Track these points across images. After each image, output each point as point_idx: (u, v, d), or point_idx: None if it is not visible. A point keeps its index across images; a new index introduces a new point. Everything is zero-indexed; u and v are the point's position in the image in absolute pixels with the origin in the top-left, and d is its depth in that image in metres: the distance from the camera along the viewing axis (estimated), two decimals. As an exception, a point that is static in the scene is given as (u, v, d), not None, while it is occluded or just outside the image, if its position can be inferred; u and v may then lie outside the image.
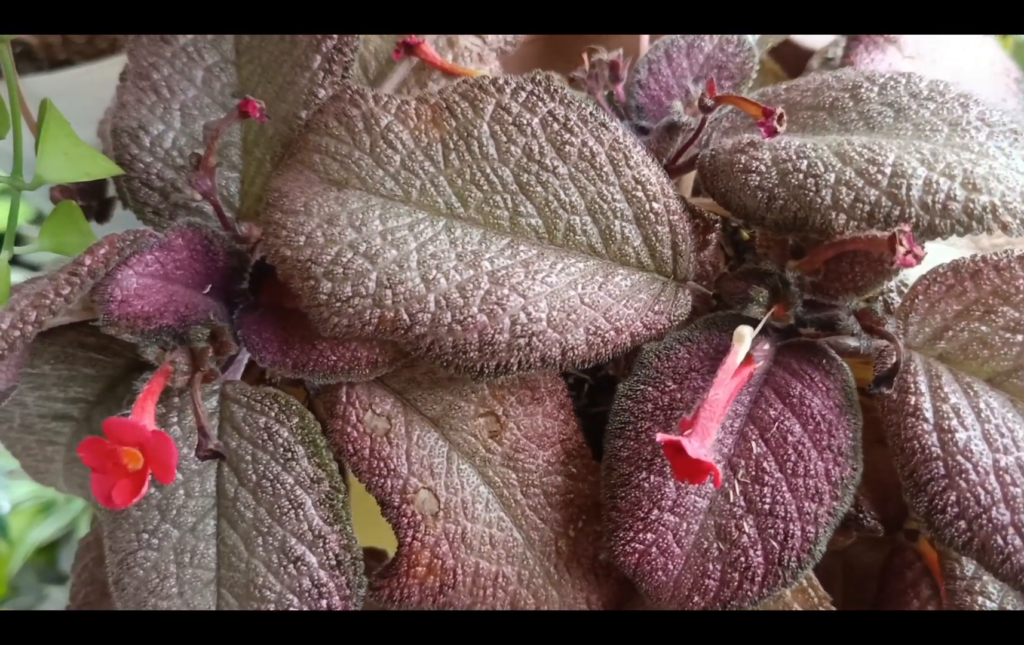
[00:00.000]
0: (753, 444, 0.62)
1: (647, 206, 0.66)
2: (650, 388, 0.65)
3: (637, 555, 0.62)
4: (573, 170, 0.66)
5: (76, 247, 0.76)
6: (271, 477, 0.65)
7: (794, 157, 0.62)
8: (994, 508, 0.58)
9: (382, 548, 0.82)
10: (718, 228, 0.74)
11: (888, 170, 0.59)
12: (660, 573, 0.62)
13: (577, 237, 0.66)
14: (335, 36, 0.75)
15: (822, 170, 0.61)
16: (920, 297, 0.63)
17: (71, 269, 0.61)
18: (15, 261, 0.78)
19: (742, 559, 0.61)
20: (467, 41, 0.84)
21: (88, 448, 0.58)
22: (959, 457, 0.58)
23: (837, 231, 0.59)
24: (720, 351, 0.65)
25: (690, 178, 0.88)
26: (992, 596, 0.67)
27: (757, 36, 0.89)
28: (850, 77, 0.69)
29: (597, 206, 0.66)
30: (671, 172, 0.77)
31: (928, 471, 0.58)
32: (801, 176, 0.61)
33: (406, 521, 0.67)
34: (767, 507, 0.60)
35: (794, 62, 1.02)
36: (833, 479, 0.60)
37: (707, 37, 0.84)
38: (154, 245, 0.66)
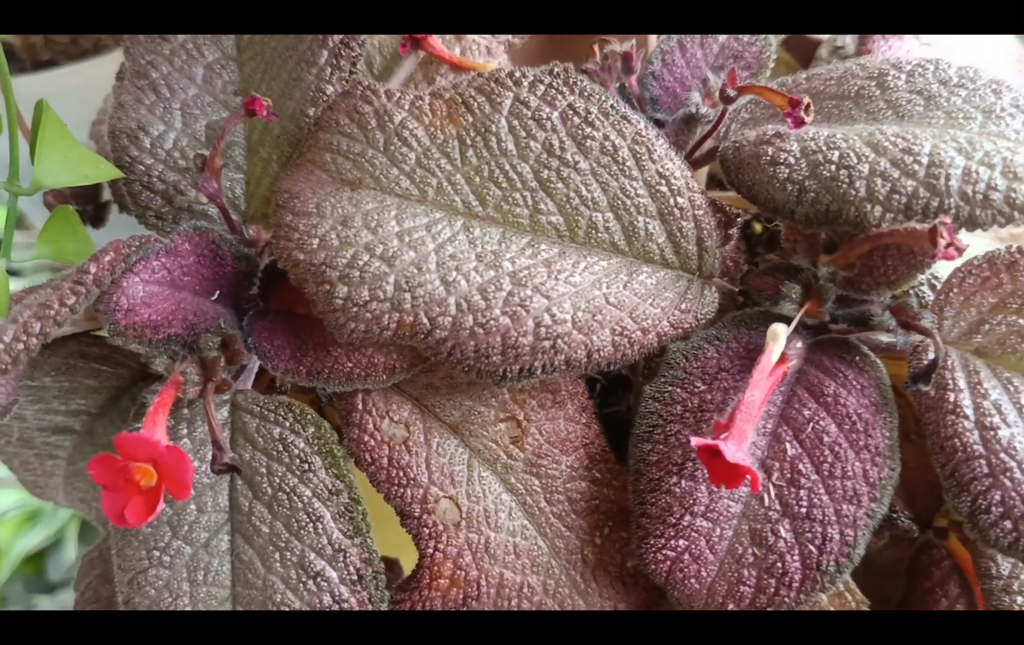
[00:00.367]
0: (787, 445, 0.60)
1: (671, 201, 0.64)
2: (678, 389, 0.63)
3: (669, 562, 0.60)
4: (595, 165, 0.64)
5: (74, 253, 0.73)
6: (287, 489, 0.63)
7: (824, 148, 0.60)
8: (1040, 507, 0.56)
9: (394, 557, 0.80)
10: (739, 222, 0.72)
11: (925, 160, 0.57)
12: (693, 580, 0.60)
13: (599, 234, 0.64)
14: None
15: (855, 161, 0.59)
16: (955, 290, 0.61)
17: (75, 278, 0.59)
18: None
19: (778, 564, 0.59)
20: (474, 34, 0.82)
21: (99, 465, 0.56)
22: (1003, 455, 0.56)
23: (873, 224, 0.57)
24: (750, 350, 0.63)
25: (703, 171, 0.86)
26: (1030, 595, 0.66)
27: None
28: (875, 65, 0.67)
29: (620, 202, 0.64)
30: (692, 166, 0.75)
31: (971, 470, 0.57)
32: (833, 168, 0.59)
33: (427, 532, 0.65)
34: (804, 510, 0.59)
35: (801, 51, 1.00)
36: (871, 480, 0.59)
37: (720, 26, 0.82)
38: (160, 251, 0.64)
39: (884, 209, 0.57)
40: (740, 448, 0.54)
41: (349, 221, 0.62)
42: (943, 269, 0.65)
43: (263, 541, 0.63)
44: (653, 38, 0.95)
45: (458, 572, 0.65)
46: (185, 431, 0.66)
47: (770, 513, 0.59)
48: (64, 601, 1.67)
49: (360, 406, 0.67)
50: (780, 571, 0.59)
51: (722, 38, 0.81)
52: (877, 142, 0.59)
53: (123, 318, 0.61)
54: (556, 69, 0.64)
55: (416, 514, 0.65)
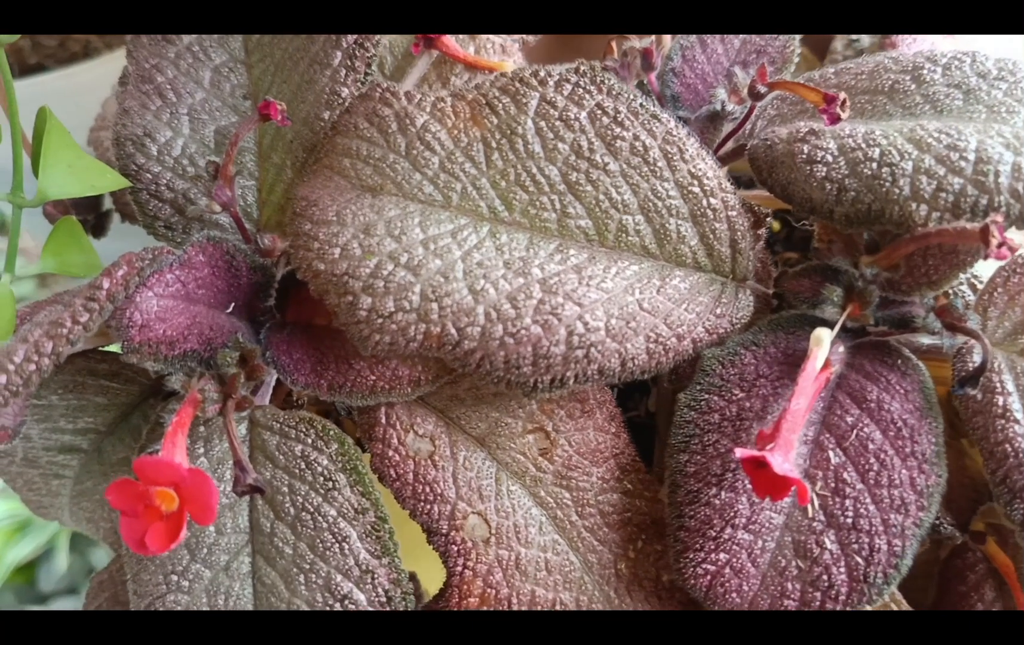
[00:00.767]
0: (831, 454, 0.58)
1: (704, 202, 0.62)
2: (715, 397, 0.61)
3: (709, 577, 0.58)
4: (624, 166, 0.61)
5: (79, 266, 0.71)
6: (311, 509, 0.61)
7: (864, 145, 0.58)
8: (1095, 513, 0.54)
9: (410, 570, 0.78)
10: (769, 222, 0.70)
11: (972, 156, 0.55)
12: (735, 595, 0.58)
13: (630, 238, 0.61)
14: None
15: (897, 158, 0.57)
16: (999, 290, 0.60)
17: (88, 294, 0.56)
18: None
19: (824, 577, 0.57)
20: (488, 34, 0.80)
21: (117, 490, 0.53)
22: (1057, 460, 0.55)
23: (918, 223, 0.55)
24: (789, 354, 0.61)
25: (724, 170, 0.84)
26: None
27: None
28: (908, 59, 0.65)
29: (651, 204, 0.61)
30: (713, 164, 0.74)
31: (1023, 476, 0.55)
32: (874, 165, 0.57)
33: (456, 549, 0.62)
34: (850, 521, 0.57)
35: (816, 44, 0.98)
36: (918, 488, 0.57)
37: (740, 20, 0.80)
38: (174, 263, 0.61)
39: (930, 208, 0.55)
40: (787, 458, 0.52)
41: (371, 229, 0.60)
42: (981, 268, 0.63)
43: (286, 563, 0.61)
44: (667, 36, 0.93)
45: (488, 590, 0.63)
46: (202, 450, 0.63)
47: (814, 524, 0.57)
48: (56, 612, 1.63)
49: (383, 420, 0.64)
50: (825, 584, 0.57)
51: (743, 33, 0.79)
52: (919, 138, 0.57)
53: (137, 334, 0.59)
54: (582, 67, 0.62)
55: (444, 531, 0.63)
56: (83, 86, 1.42)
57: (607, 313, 0.59)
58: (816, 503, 0.57)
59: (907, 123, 0.60)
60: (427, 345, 0.59)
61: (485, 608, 0.62)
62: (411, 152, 0.62)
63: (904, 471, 0.57)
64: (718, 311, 0.62)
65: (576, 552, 0.64)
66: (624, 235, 0.61)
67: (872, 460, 0.57)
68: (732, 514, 0.58)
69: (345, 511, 0.61)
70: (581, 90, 0.62)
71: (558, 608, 0.63)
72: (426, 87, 0.78)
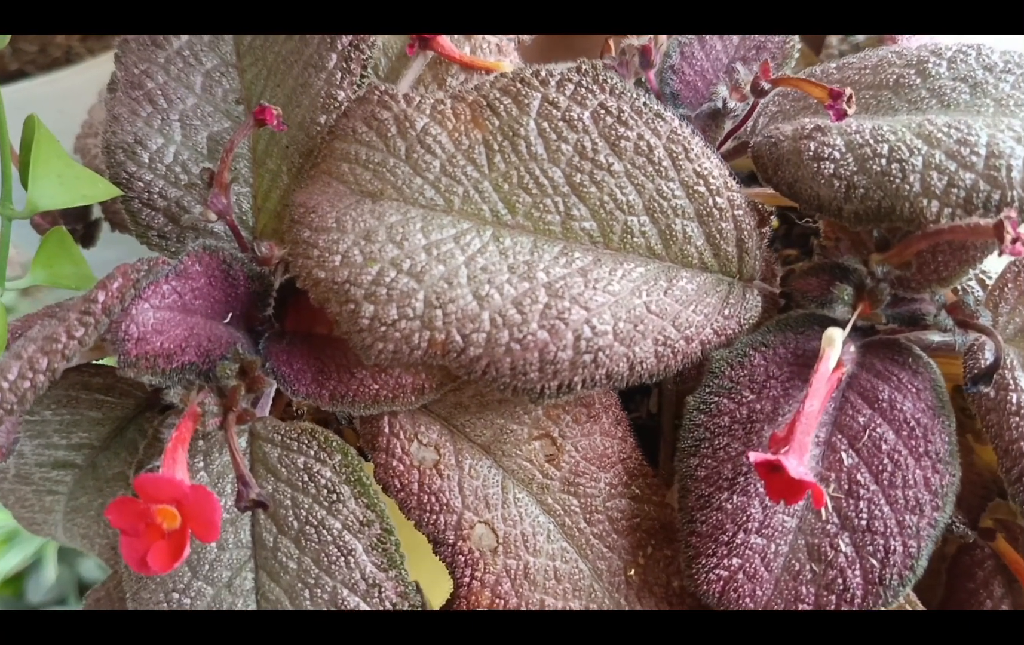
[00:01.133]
0: (843, 455, 0.57)
1: (710, 202, 0.61)
2: (725, 399, 0.60)
3: (722, 582, 0.58)
4: (629, 167, 0.60)
5: (70, 278, 0.69)
6: (315, 522, 0.59)
7: (872, 141, 0.58)
8: (1112, 510, 0.54)
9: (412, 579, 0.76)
10: (773, 220, 0.70)
11: (983, 151, 0.54)
12: (748, 600, 0.58)
13: (635, 239, 0.60)
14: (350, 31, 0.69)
15: (907, 154, 0.56)
16: (1010, 286, 0.59)
17: (83, 308, 0.54)
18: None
19: (839, 580, 0.56)
20: (484, 33, 0.78)
21: (117, 509, 0.52)
22: (1073, 458, 0.54)
23: (929, 220, 0.55)
24: (799, 355, 0.60)
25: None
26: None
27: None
28: (912, 53, 0.64)
29: (656, 204, 0.60)
30: (714, 162, 0.73)
31: (1039, 474, 0.54)
32: (883, 162, 0.56)
33: (463, 559, 0.61)
34: (864, 522, 0.56)
35: (812, 38, 0.97)
36: (933, 488, 0.56)
37: (738, 16, 0.79)
38: (169, 273, 0.60)
39: (941, 204, 0.54)
40: (802, 462, 0.51)
41: (372, 235, 0.59)
42: (990, 264, 0.63)
43: (291, 578, 0.59)
44: (663, 38, 0.92)
45: (496, 601, 0.61)
46: (202, 464, 0.62)
47: (828, 526, 0.57)
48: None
49: (387, 430, 0.63)
50: (840, 587, 0.56)
51: (742, 28, 0.78)
52: (928, 133, 0.57)
53: (134, 348, 0.57)
54: (584, 66, 0.61)
55: (450, 541, 0.62)
56: (66, 92, 1.40)
57: (614, 316, 0.58)
58: (830, 505, 0.56)
59: (914, 118, 0.59)
60: (431, 353, 0.58)
61: (494, 619, 0.61)
62: (411, 156, 0.60)
63: (918, 471, 0.56)
64: (726, 312, 0.61)
65: (585, 560, 0.63)
66: (629, 236, 0.60)
67: (886, 461, 0.57)
68: (744, 518, 0.57)
69: (350, 524, 0.59)
70: (584, 90, 0.61)
71: (568, 617, 0.62)
72: (422, 89, 0.77)
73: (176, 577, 0.60)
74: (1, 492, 0.78)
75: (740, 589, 0.57)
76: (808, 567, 0.57)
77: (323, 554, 0.59)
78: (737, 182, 0.62)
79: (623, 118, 0.60)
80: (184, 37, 0.72)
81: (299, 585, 0.59)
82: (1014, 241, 0.50)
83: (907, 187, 0.55)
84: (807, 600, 0.57)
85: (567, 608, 0.62)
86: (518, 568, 0.62)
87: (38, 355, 0.53)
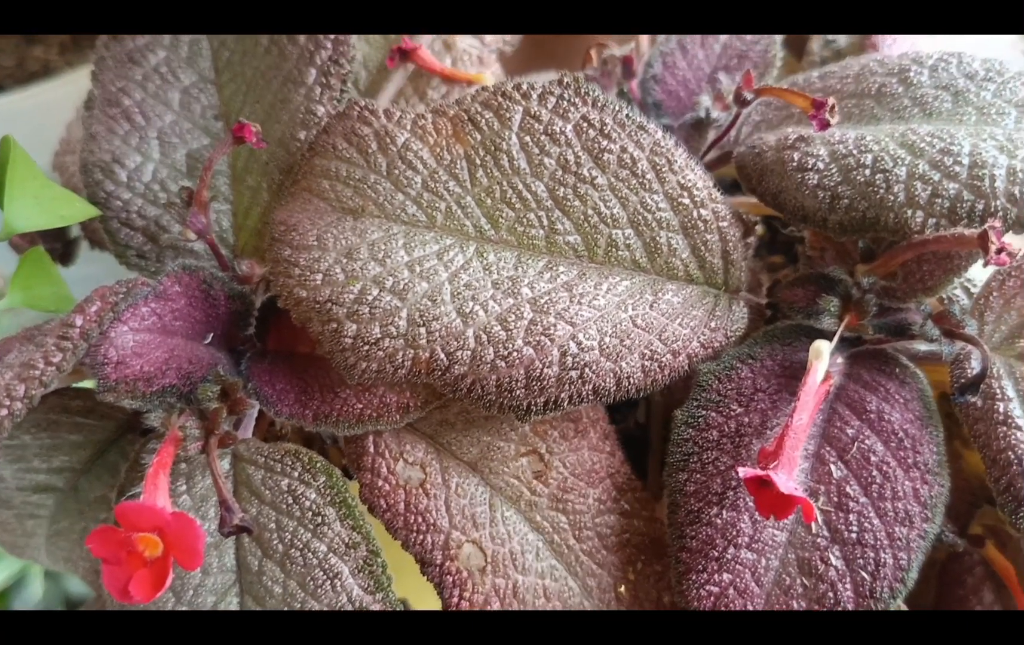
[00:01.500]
0: (832, 467, 0.57)
1: (694, 213, 0.60)
2: (713, 413, 0.59)
3: (713, 598, 0.57)
4: (612, 179, 0.60)
5: (48, 299, 0.68)
6: (300, 545, 0.58)
7: (855, 151, 0.57)
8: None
9: (400, 597, 0.76)
10: (758, 230, 0.69)
11: (966, 160, 0.54)
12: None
13: (619, 252, 0.60)
14: (329, 46, 0.68)
15: (890, 164, 0.56)
16: (995, 294, 0.59)
17: (60, 332, 0.53)
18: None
19: (830, 594, 0.56)
20: (465, 43, 0.78)
21: (99, 538, 0.51)
22: (1061, 467, 0.54)
23: (914, 230, 0.55)
24: (786, 367, 0.59)
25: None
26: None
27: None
28: (894, 61, 0.64)
29: (640, 217, 0.60)
30: (698, 172, 0.72)
31: (1027, 483, 0.54)
32: (867, 172, 0.56)
33: (451, 580, 0.61)
34: (854, 536, 0.56)
35: (795, 45, 0.97)
36: (922, 499, 0.56)
37: (720, 24, 0.79)
38: (148, 295, 0.59)
39: (926, 214, 0.54)
40: (791, 477, 0.51)
41: (354, 253, 0.58)
42: (975, 272, 0.63)
43: (276, 603, 0.58)
44: (644, 39, 0.92)
45: (485, 620, 0.61)
46: (184, 487, 0.61)
47: (818, 540, 0.56)
48: None
49: (372, 449, 0.63)
50: (832, 600, 0.56)
51: (724, 37, 0.78)
52: (912, 143, 0.56)
53: (113, 372, 0.56)
54: (566, 79, 0.61)
55: (438, 561, 0.61)
56: (44, 106, 1.38)
57: (600, 331, 0.57)
58: (820, 519, 0.56)
59: (897, 127, 0.59)
60: (416, 371, 0.57)
61: (483, 638, 0.61)
62: (393, 172, 0.60)
63: (907, 483, 0.56)
64: (712, 324, 0.60)
65: (575, 577, 0.62)
66: (614, 249, 0.60)
67: (875, 472, 0.56)
68: (735, 533, 0.57)
69: (336, 546, 0.58)
70: (566, 103, 0.60)
71: (558, 635, 0.61)
72: (403, 101, 0.76)
73: (159, 603, 0.59)
74: (-19, 516, 0.77)
75: (731, 604, 0.57)
76: (799, 581, 0.56)
77: (309, 578, 0.58)
78: (721, 193, 0.62)
79: (606, 131, 0.60)
80: (161, 53, 0.71)
81: (285, 609, 0.58)
82: (999, 251, 0.50)
83: (892, 198, 0.55)
84: (798, 614, 0.56)
85: (556, 626, 0.61)
86: (507, 587, 0.61)
87: (15, 382, 0.52)
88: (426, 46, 0.77)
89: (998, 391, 0.56)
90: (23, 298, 0.67)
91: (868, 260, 0.59)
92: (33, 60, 1.57)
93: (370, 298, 0.57)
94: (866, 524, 0.56)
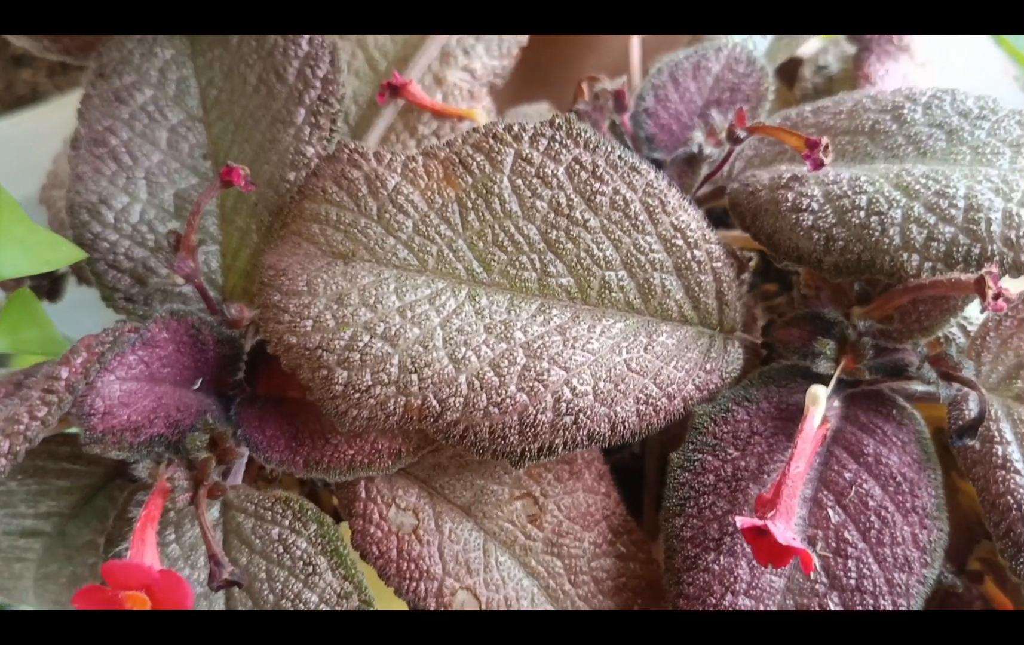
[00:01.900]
0: (830, 512, 0.56)
1: (688, 255, 0.60)
2: (709, 457, 0.59)
3: (710, 645, 0.56)
4: (605, 221, 0.59)
5: (35, 343, 0.67)
6: (291, 596, 0.58)
7: (850, 192, 0.57)
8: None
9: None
10: (752, 266, 0.69)
11: (961, 203, 0.54)
12: (737, 662, 0.56)
13: (613, 294, 0.59)
14: (318, 85, 0.67)
15: (885, 206, 0.55)
16: (992, 334, 0.58)
17: (45, 386, 0.53)
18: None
19: (828, 640, 0.55)
20: (455, 77, 0.77)
21: (85, 597, 0.50)
22: (1061, 512, 0.53)
23: (910, 274, 0.54)
24: (783, 409, 0.59)
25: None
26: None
27: (766, 46, 0.83)
28: (887, 98, 0.64)
29: (634, 259, 0.59)
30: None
31: (1027, 529, 0.54)
32: (862, 214, 0.56)
33: (445, 627, 0.60)
34: (853, 582, 0.55)
35: (787, 73, 0.97)
36: (921, 544, 0.55)
37: (711, 56, 0.79)
38: (136, 343, 0.58)
39: (922, 258, 0.54)
40: (789, 526, 0.50)
41: (345, 298, 0.57)
42: (972, 310, 0.62)
43: (267, 654, 0.57)
44: (636, 72, 0.92)
45: (480, 668, 0.60)
46: (173, 536, 0.60)
47: (817, 586, 0.56)
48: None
49: (363, 494, 0.62)
50: (830, 647, 0.55)
51: (716, 70, 0.77)
52: (907, 185, 0.56)
53: (100, 423, 0.55)
54: (558, 120, 0.60)
55: (432, 609, 0.60)
56: (32, 133, 1.37)
57: (594, 376, 0.57)
58: (818, 565, 0.55)
59: (892, 167, 0.59)
60: (407, 418, 0.56)
61: (477, 687, 0.60)
62: (383, 216, 0.59)
63: (906, 528, 0.55)
64: (707, 366, 0.60)
65: (570, 622, 0.61)
66: (608, 291, 0.59)
67: (873, 517, 0.56)
68: (732, 580, 0.56)
69: (327, 597, 0.58)
70: (557, 144, 0.60)
71: (553, 682, 0.60)
72: (393, 137, 0.75)
73: (148, 655, 0.58)
74: (-33, 560, 0.76)
75: (728, 651, 0.56)
76: (797, 627, 0.56)
77: (300, 629, 0.57)
78: (715, 226, 0.61)
79: (598, 173, 0.59)
80: (148, 91, 0.70)
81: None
82: (996, 297, 0.50)
83: (887, 240, 0.55)
84: (796, 661, 0.56)
85: (552, 673, 0.60)
86: (501, 634, 0.60)
87: (-1, 438, 0.51)
88: (416, 81, 0.76)
89: (996, 434, 0.56)
90: (9, 343, 0.66)
91: (864, 302, 0.59)
92: (22, 83, 1.57)
93: (361, 344, 0.56)
94: (865, 570, 0.55)
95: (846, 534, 0.56)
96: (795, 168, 0.62)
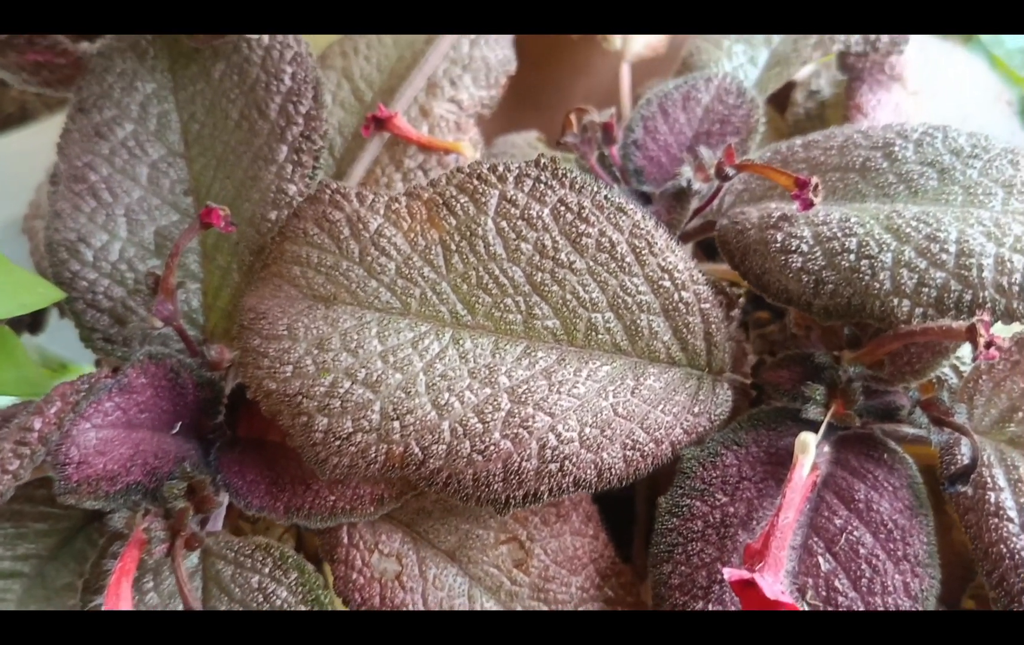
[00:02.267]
0: (820, 559, 0.55)
1: (675, 296, 0.59)
2: (697, 502, 0.57)
3: (699, 696, 0.55)
4: (591, 263, 0.58)
5: (12, 385, 0.66)
6: (271, 648, 0.56)
7: (840, 235, 0.56)
8: (1095, 613, 0.52)
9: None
10: (742, 303, 0.68)
11: (952, 248, 0.53)
12: (726, 714, 0.55)
13: (600, 336, 0.58)
14: (300, 121, 0.66)
15: (876, 250, 0.54)
16: (984, 377, 0.57)
17: (18, 438, 0.51)
18: None
19: (819, 692, 0.54)
20: (442, 109, 0.76)
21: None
22: (1055, 562, 0.52)
23: (901, 319, 0.53)
24: (772, 454, 0.58)
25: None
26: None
27: (757, 75, 0.83)
28: (878, 134, 0.63)
29: (620, 300, 0.58)
30: (680, 240, 0.71)
31: (1020, 578, 0.52)
32: (852, 257, 0.55)
33: (429, 677, 0.58)
34: (843, 632, 0.54)
35: (778, 99, 0.96)
36: (913, 593, 0.54)
37: (701, 86, 0.78)
38: (112, 389, 0.57)
39: (913, 303, 0.53)
40: (778, 578, 0.49)
41: (325, 343, 0.56)
42: (964, 350, 0.61)
43: (247, 707, 0.56)
44: (626, 104, 0.91)
45: (465, 718, 0.59)
46: (151, 584, 0.59)
47: (807, 637, 0.54)
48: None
49: (346, 540, 0.61)
50: (821, 700, 0.54)
51: (706, 100, 0.76)
52: (898, 227, 0.55)
53: (75, 472, 0.54)
54: (543, 161, 0.59)
55: (415, 658, 0.59)
56: (19, 153, 1.36)
57: (580, 422, 0.56)
58: (807, 614, 0.54)
59: (883, 207, 0.58)
60: (389, 466, 0.55)
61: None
62: (365, 258, 0.58)
63: (897, 576, 0.54)
64: (696, 409, 0.59)
65: (556, 670, 0.60)
66: (594, 333, 0.58)
67: (864, 565, 0.55)
68: (720, 630, 0.55)
69: (308, 648, 0.56)
70: (543, 185, 0.58)
71: (540, 732, 0.59)
72: (379, 170, 0.74)
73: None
74: (-55, 601, 0.74)
75: (717, 703, 0.55)
76: (787, 679, 0.55)
77: (280, 681, 0.56)
78: (707, 258, 0.60)
79: (584, 214, 0.58)
80: (129, 126, 0.69)
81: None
82: (988, 345, 0.49)
83: (877, 285, 0.54)
84: (787, 713, 0.54)
85: (539, 722, 0.59)
86: (487, 683, 0.59)
87: (-31, 492, 0.50)
88: (402, 113, 0.75)
89: (989, 480, 0.55)
90: (-15, 384, 0.65)
91: (854, 346, 0.58)
92: (10, 101, 1.55)
93: (342, 391, 0.55)
94: (856, 621, 0.54)
95: (836, 583, 0.55)
96: (784, 206, 0.61)
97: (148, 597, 0.59)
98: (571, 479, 0.56)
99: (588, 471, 0.56)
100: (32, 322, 0.84)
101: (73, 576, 0.69)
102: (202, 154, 0.69)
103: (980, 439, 0.57)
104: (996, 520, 0.54)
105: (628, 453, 0.56)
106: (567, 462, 0.55)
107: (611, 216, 0.59)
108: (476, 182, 0.58)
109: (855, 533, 0.55)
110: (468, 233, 0.58)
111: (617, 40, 0.93)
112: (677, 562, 0.57)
